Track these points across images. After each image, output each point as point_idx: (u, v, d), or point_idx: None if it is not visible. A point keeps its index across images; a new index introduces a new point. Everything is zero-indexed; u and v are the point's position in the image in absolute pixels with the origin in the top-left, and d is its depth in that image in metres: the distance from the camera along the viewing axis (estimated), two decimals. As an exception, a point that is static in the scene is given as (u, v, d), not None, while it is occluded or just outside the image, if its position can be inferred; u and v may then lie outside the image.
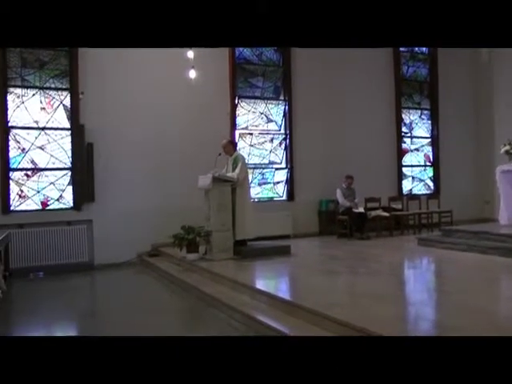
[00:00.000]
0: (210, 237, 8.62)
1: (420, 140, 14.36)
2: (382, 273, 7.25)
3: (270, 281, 7.30)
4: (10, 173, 9.88)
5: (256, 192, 11.89)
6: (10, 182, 9.88)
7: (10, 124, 9.89)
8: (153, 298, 7.65)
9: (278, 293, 6.22)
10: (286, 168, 12.32)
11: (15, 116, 9.96)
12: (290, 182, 12.28)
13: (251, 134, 12.04)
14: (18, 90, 10.01)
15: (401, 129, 13.82)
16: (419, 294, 6.11)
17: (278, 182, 12.31)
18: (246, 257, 8.60)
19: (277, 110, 12.31)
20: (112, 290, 8.64)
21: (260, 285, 6.97)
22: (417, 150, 14.28)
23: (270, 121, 12.25)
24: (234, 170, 8.89)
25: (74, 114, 10.24)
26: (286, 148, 12.33)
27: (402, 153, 13.87)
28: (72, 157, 10.25)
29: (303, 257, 8.95)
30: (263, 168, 12.17)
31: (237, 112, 11.84)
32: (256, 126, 12.11)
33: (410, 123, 14.18)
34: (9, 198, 9.81)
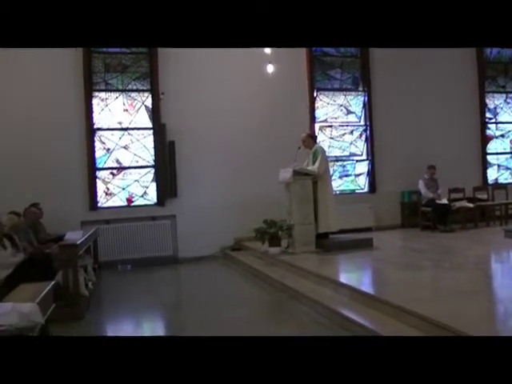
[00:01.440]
0: (291, 230, 8.62)
1: (506, 126, 13.63)
2: (467, 267, 6.96)
3: (353, 274, 7.22)
4: (97, 172, 10.35)
5: (337, 185, 11.77)
6: (97, 180, 10.35)
7: (95, 126, 10.35)
8: (236, 292, 7.77)
9: (360, 286, 6.14)
10: (366, 160, 12.11)
11: (100, 118, 10.41)
12: (371, 173, 12.06)
13: (331, 126, 11.92)
14: (102, 94, 10.45)
15: (484, 115, 13.21)
16: (508, 289, 5.76)
17: (360, 174, 12.13)
18: (328, 250, 8.53)
19: (356, 102, 12.11)
20: (196, 282, 8.86)
21: (343, 278, 6.91)
22: (502, 136, 13.57)
23: (349, 112, 12.08)
24: (314, 163, 8.84)
25: (155, 113, 10.55)
26: (366, 139, 12.12)
27: (486, 140, 13.24)
28: (154, 155, 10.58)
29: (385, 250, 8.76)
30: (344, 160, 12.03)
31: (316, 105, 11.75)
32: (335, 118, 11.98)
33: (495, 108, 13.49)
34: (96, 196, 10.28)
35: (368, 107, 12.02)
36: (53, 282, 4.27)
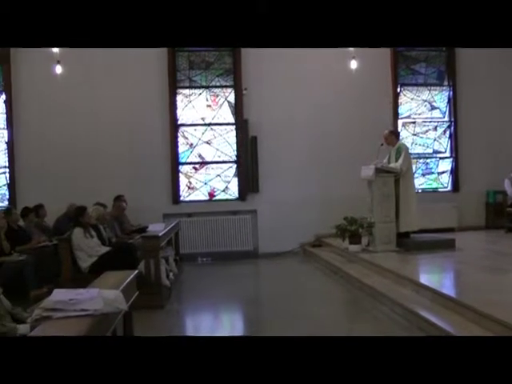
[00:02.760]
0: (372, 228, 8.48)
1: None
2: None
3: (434, 275, 7.02)
4: (180, 166, 10.64)
5: (419, 183, 11.45)
6: (180, 174, 10.65)
7: (178, 122, 10.65)
8: (314, 288, 7.74)
9: (441, 288, 5.94)
10: (450, 157, 11.71)
11: (183, 114, 10.71)
12: (454, 171, 11.64)
13: (414, 122, 11.61)
14: (186, 91, 10.74)
15: None
16: None
17: (443, 172, 11.74)
18: (408, 249, 8.32)
19: (441, 97, 11.72)
20: (275, 278, 8.90)
21: (423, 279, 6.71)
22: None
23: (433, 108, 11.71)
24: (396, 160, 8.65)
25: (238, 109, 10.70)
26: (450, 136, 11.70)
27: None
28: (237, 150, 10.74)
29: (468, 252, 8.42)
30: (427, 158, 11.70)
31: (399, 100, 11.49)
32: (419, 114, 11.65)
33: None
34: (179, 190, 10.58)
35: (453, 102, 11.58)
36: (136, 271, 4.41)
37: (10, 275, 6.22)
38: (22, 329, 3.61)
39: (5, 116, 10.43)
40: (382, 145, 8.83)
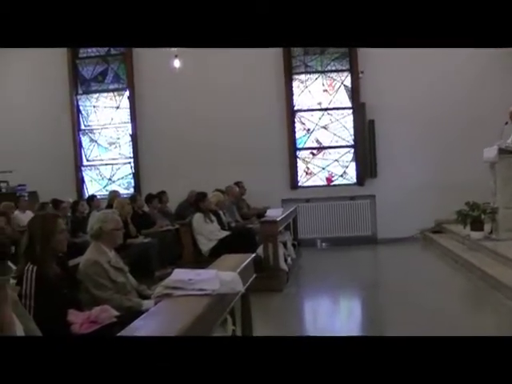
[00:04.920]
0: (495, 214, 7.99)
1: None
2: None
3: None
4: (297, 152, 10.70)
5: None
6: (297, 160, 10.70)
7: (295, 108, 10.69)
8: (433, 276, 7.45)
9: None
10: None
11: (300, 100, 10.74)
12: None
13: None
14: (302, 76, 10.75)
15: None
16: None
17: None
18: (537, 238, 7.76)
19: None
20: (394, 264, 8.70)
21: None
22: None
23: None
24: (525, 139, 8.07)
25: (354, 93, 10.53)
26: None
27: None
28: (354, 134, 10.58)
29: None
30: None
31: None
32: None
33: None
34: (296, 175, 10.66)
35: None
36: (253, 255, 4.51)
37: (136, 256, 6.57)
38: (147, 304, 3.84)
39: (129, 111, 11.14)
40: (506, 123, 8.24)
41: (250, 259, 4.23)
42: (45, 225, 3.47)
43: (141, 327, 2.55)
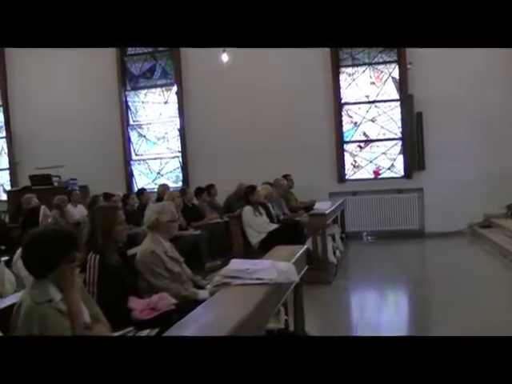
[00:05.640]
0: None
1: None
2: None
3: None
4: (345, 145, 10.65)
5: None
6: (345, 153, 10.66)
7: (342, 101, 10.65)
8: (481, 272, 7.24)
9: None
10: None
11: (347, 93, 10.68)
12: None
13: None
14: (349, 69, 10.68)
15: None
16: None
17: None
18: None
19: None
20: (442, 259, 8.56)
21: None
22: None
23: None
24: None
25: (402, 84, 10.39)
26: None
27: None
28: (402, 127, 10.46)
29: None
30: None
31: None
32: None
33: None
34: (344, 169, 10.62)
35: None
36: (305, 246, 4.56)
37: (186, 248, 6.65)
38: (202, 294, 3.93)
39: (177, 106, 11.33)
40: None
41: (302, 250, 4.28)
42: (106, 216, 3.59)
43: (202, 314, 2.62)
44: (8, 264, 4.37)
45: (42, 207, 4.78)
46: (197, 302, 3.58)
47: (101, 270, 3.40)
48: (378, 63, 10.59)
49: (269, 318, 3.13)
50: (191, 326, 2.41)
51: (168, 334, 2.34)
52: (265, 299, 2.91)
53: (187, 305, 3.59)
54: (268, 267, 3.20)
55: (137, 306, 3.40)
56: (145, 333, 2.92)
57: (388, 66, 10.57)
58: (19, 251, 4.26)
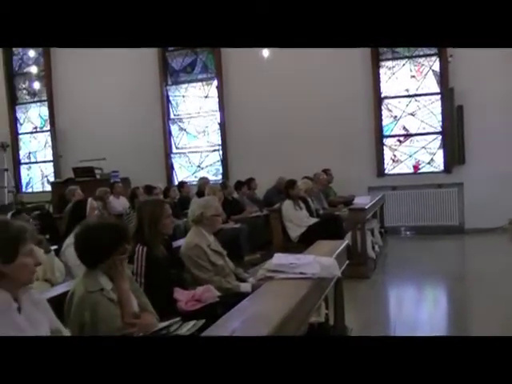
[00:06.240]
0: None
1: None
2: None
3: None
4: (384, 139, 10.58)
5: None
6: (384, 147, 10.60)
7: (382, 95, 10.58)
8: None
9: None
10: None
11: (387, 87, 10.60)
12: None
13: None
14: (389, 63, 10.60)
15: None
16: None
17: None
18: None
19: None
20: (482, 256, 8.38)
21: None
22: None
23: None
24: None
25: (443, 78, 10.26)
26: None
27: None
28: (442, 121, 10.33)
29: None
30: None
31: None
32: None
33: None
34: (383, 163, 10.57)
35: None
36: (346, 241, 4.59)
37: (227, 241, 6.74)
38: (244, 287, 4.02)
39: (217, 100, 11.45)
40: None
41: (343, 246, 4.32)
42: (153, 210, 3.70)
43: (248, 307, 2.69)
44: (56, 253, 4.50)
45: (89, 199, 4.91)
46: (239, 295, 3.68)
47: (148, 262, 3.51)
48: (419, 56, 10.47)
49: (311, 312, 3.19)
50: (238, 318, 2.47)
51: (215, 326, 2.40)
52: (308, 293, 2.98)
53: (230, 297, 3.69)
54: (311, 262, 3.26)
55: (182, 297, 3.50)
56: (191, 324, 2.99)
57: (428, 59, 10.44)
58: (67, 241, 4.44)
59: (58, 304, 2.68)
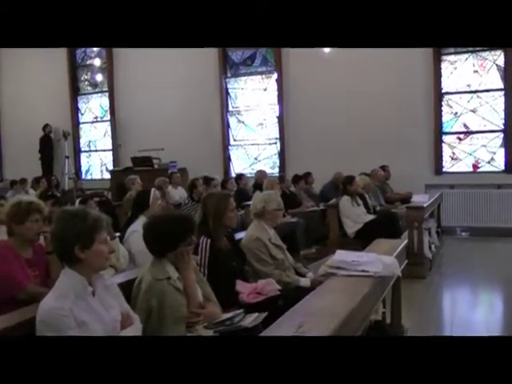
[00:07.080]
0: None
1: None
2: None
3: None
4: (443, 136, 10.37)
5: None
6: (443, 145, 10.39)
7: (443, 90, 10.36)
8: None
9: None
10: None
11: (448, 82, 10.35)
12: None
13: None
14: (451, 57, 10.33)
15: None
16: None
17: None
18: None
19: None
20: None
21: None
22: None
23: None
24: None
25: (507, 73, 9.93)
26: None
27: None
28: (505, 118, 10.02)
29: None
30: None
31: None
32: None
33: None
34: (441, 160, 10.36)
35: None
36: (405, 241, 4.57)
37: (283, 234, 6.82)
38: (304, 281, 4.08)
39: (276, 93, 11.50)
40: None
41: (403, 245, 4.31)
42: (218, 203, 3.79)
43: (313, 302, 2.74)
44: (119, 240, 4.65)
45: (153, 189, 5.04)
46: (299, 290, 3.74)
47: (211, 254, 3.61)
48: (483, 50, 10.15)
49: (373, 309, 3.21)
50: (304, 312, 2.52)
51: (283, 318, 2.45)
52: (371, 291, 3.01)
53: (291, 291, 3.76)
54: (373, 260, 3.28)
55: (244, 289, 3.58)
56: (253, 316, 3.06)
57: (493, 53, 10.09)
58: (131, 228, 4.59)
59: (123, 291, 2.78)
